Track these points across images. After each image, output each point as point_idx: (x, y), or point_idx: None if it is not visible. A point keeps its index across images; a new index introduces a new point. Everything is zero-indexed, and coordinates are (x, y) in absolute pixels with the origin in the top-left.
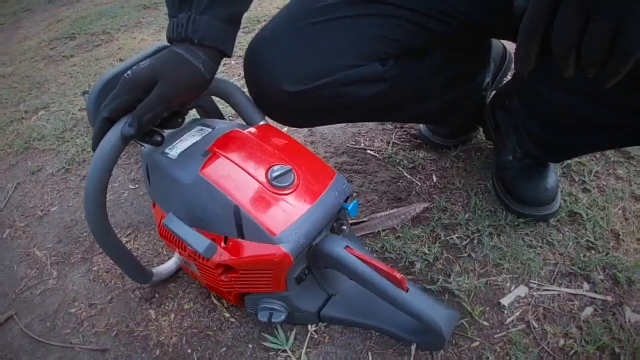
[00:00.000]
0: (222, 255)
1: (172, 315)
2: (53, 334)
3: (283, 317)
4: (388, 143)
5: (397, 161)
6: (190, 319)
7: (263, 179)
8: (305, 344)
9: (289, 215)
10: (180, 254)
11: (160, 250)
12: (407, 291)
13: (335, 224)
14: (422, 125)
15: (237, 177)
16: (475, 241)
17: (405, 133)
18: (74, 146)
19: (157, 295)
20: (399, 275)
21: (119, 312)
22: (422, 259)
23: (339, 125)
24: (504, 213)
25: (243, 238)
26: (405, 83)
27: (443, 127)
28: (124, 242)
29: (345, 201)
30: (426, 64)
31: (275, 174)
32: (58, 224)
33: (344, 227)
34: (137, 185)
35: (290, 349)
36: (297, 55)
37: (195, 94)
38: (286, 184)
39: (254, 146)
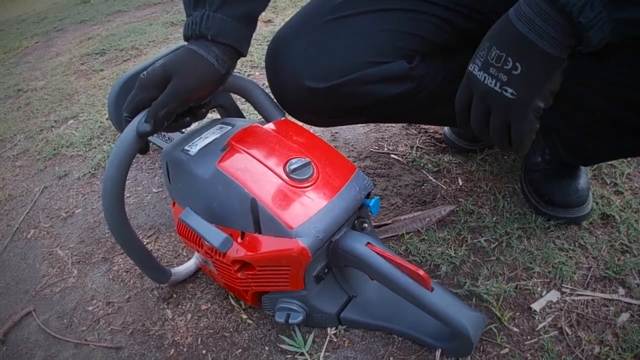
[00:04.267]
0: (238, 251)
1: (189, 315)
2: (69, 331)
3: (301, 318)
4: (412, 147)
5: (421, 165)
6: (206, 320)
7: (281, 171)
8: (324, 348)
9: (307, 209)
10: (198, 251)
11: (180, 251)
12: (432, 290)
13: (356, 222)
14: (446, 129)
15: (255, 170)
16: (504, 244)
17: (430, 137)
18: (100, 152)
19: (174, 295)
20: (422, 273)
21: (135, 311)
22: (447, 261)
23: (361, 130)
24: (533, 216)
25: (260, 232)
26: (432, 83)
27: (468, 131)
28: (144, 243)
29: (367, 197)
30: (455, 63)
31: (293, 167)
32: (81, 225)
33: (365, 225)
34: (160, 189)
35: (307, 352)
36: (318, 51)
37: (209, 89)
38: (305, 177)
39: (273, 140)
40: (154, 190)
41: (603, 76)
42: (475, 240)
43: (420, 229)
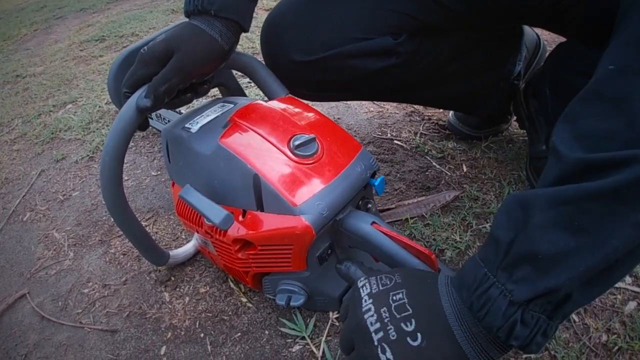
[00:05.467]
0: (239, 230)
1: (187, 298)
2: (64, 313)
3: (302, 301)
4: (415, 133)
5: (425, 151)
6: (205, 303)
7: (285, 148)
8: (325, 332)
9: (311, 186)
10: (197, 231)
11: (179, 234)
12: (439, 272)
13: (360, 202)
14: (450, 115)
15: (258, 146)
16: None
17: (433, 124)
18: (99, 136)
19: (172, 278)
20: (428, 251)
21: (132, 294)
22: (452, 246)
23: (364, 116)
24: None
25: (262, 210)
26: (420, 61)
27: (472, 117)
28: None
29: (372, 177)
30: (448, 44)
31: (297, 142)
32: (78, 208)
33: (370, 206)
34: (159, 172)
35: (309, 336)
36: (307, 25)
37: (213, 65)
38: (309, 153)
39: (276, 116)
40: (153, 173)
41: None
42: (480, 226)
43: (424, 214)
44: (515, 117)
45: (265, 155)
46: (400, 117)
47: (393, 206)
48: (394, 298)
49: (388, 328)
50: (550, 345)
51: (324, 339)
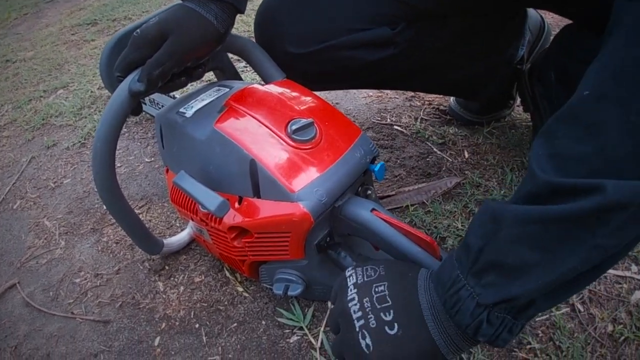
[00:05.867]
0: (235, 217)
1: (181, 288)
2: (55, 304)
3: (300, 290)
4: (416, 119)
5: (426, 136)
6: (200, 292)
7: (282, 132)
8: (324, 322)
9: (309, 172)
10: (192, 219)
11: (173, 222)
12: (441, 260)
13: (360, 188)
14: (452, 100)
15: (254, 130)
16: None
17: (434, 109)
18: (91, 121)
19: (166, 267)
20: (429, 239)
21: (125, 283)
22: (454, 234)
23: (363, 101)
24: None
25: (259, 197)
26: (419, 50)
27: (473, 102)
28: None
29: (371, 163)
30: (447, 31)
31: (295, 127)
32: (70, 195)
33: (370, 192)
34: (152, 159)
35: (307, 327)
36: (302, 17)
37: (208, 48)
38: (307, 138)
39: (273, 100)
40: (146, 159)
41: None
42: None
43: (425, 201)
44: (517, 103)
45: (262, 140)
46: (400, 101)
47: (393, 193)
48: (376, 289)
49: (369, 317)
50: (554, 336)
51: (322, 329)
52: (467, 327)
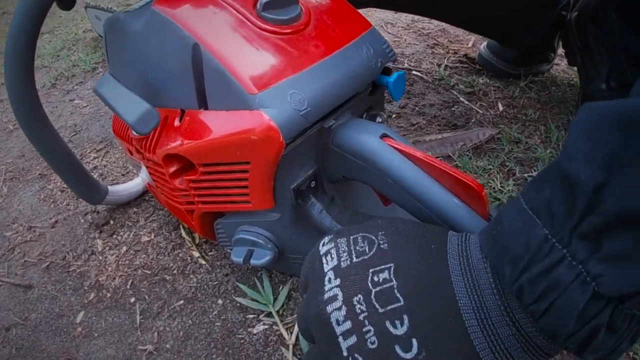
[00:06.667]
0: (171, 141)
1: (123, 249)
2: None
3: (268, 259)
4: (439, 65)
5: (451, 84)
6: (145, 256)
7: (248, 8)
8: None
9: (282, 66)
10: (129, 150)
11: (132, 168)
12: (489, 220)
13: (365, 114)
14: (482, 48)
15: (204, 6)
16: None
17: (461, 58)
18: (67, 62)
19: (111, 222)
20: (476, 184)
21: (59, 240)
22: (491, 196)
23: None
24: None
25: (206, 107)
26: None
27: (509, 50)
28: (91, 158)
29: (384, 74)
30: None
31: (266, 0)
32: (26, 139)
33: (379, 120)
34: None
35: (277, 312)
36: None
37: None
38: (284, 18)
39: None
40: None
41: None
42: (525, 174)
43: (450, 154)
44: (557, 60)
45: (214, 19)
46: (420, 48)
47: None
48: (376, 279)
49: (365, 330)
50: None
51: None
52: (567, 339)
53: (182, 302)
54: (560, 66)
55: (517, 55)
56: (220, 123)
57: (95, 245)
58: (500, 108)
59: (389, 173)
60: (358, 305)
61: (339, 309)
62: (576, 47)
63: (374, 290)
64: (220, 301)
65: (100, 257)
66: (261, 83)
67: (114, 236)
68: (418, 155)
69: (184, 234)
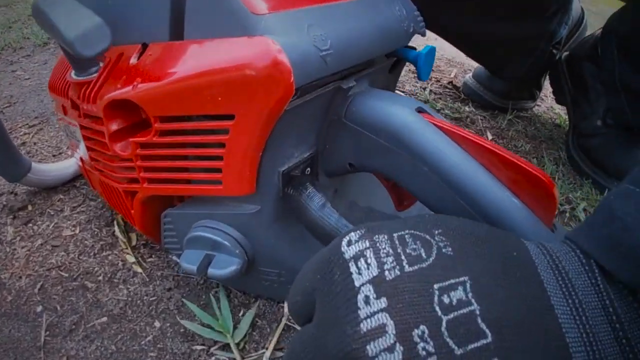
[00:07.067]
0: (120, 82)
1: (39, 241)
2: None
3: (233, 269)
4: (423, 88)
5: (437, 109)
6: (64, 254)
7: None
8: (272, 341)
9: None
10: (63, 108)
11: (65, 149)
12: (555, 230)
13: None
14: (469, 78)
15: None
16: (567, 215)
17: (443, 86)
18: (17, 34)
19: (29, 207)
20: (546, 177)
21: None
22: None
23: None
24: (592, 189)
25: (180, 36)
26: None
27: (496, 81)
28: (21, 134)
29: (410, 48)
30: None
31: None
32: None
33: None
34: None
35: (237, 345)
36: None
37: None
38: None
39: None
40: None
41: None
42: None
43: None
44: (545, 94)
45: None
46: (402, 71)
47: None
48: (446, 300)
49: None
50: None
51: (268, 353)
52: None
53: (105, 319)
54: (542, 107)
55: (504, 88)
56: (199, 56)
57: (5, 233)
58: (490, 137)
59: (425, 157)
60: (422, 344)
61: (390, 349)
62: (566, 87)
63: (445, 319)
64: (157, 323)
65: (8, 249)
66: (271, 3)
67: (30, 225)
68: (467, 136)
69: (117, 232)
